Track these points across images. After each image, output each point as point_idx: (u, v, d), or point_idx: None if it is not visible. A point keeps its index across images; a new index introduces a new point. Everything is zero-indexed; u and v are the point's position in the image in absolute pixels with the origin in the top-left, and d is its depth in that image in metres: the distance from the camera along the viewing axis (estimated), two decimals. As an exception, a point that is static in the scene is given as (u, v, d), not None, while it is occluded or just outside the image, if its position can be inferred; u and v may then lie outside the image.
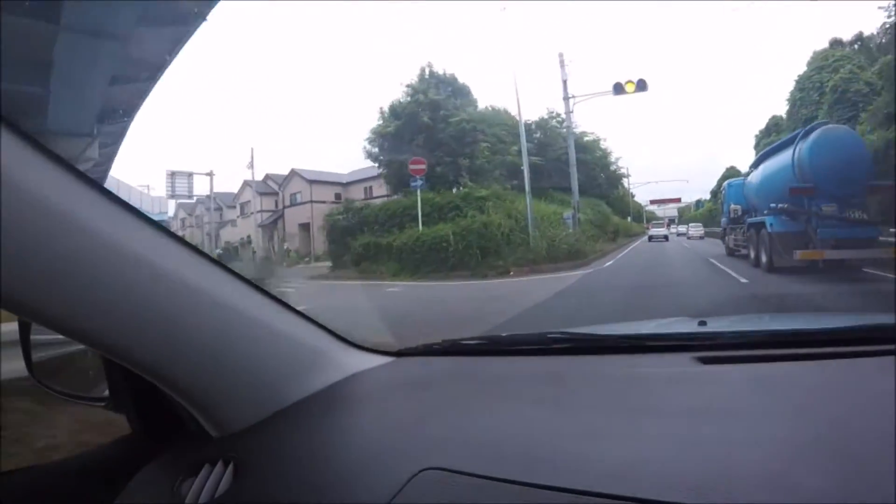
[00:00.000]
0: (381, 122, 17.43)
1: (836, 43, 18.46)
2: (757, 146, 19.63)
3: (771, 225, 8.66)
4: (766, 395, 0.70)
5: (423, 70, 17.58)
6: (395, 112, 17.19)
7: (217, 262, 0.68)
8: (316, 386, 0.74)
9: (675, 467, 0.53)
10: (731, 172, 20.32)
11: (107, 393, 0.83)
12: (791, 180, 8.44)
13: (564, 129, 17.97)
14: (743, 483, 0.49)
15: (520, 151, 15.57)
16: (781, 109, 20.29)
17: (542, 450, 0.60)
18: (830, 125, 9.56)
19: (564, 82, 16.65)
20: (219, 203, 24.04)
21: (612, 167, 24.63)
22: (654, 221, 31.18)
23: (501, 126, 17.77)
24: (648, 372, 0.82)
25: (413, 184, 14.87)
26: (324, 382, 0.76)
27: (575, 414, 0.69)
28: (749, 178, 11.47)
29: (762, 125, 21.92)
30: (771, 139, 16.62)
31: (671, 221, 29.58)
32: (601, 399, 0.74)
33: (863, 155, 8.31)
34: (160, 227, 0.60)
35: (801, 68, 18.89)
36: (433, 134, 16.37)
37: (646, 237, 23.19)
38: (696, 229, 23.61)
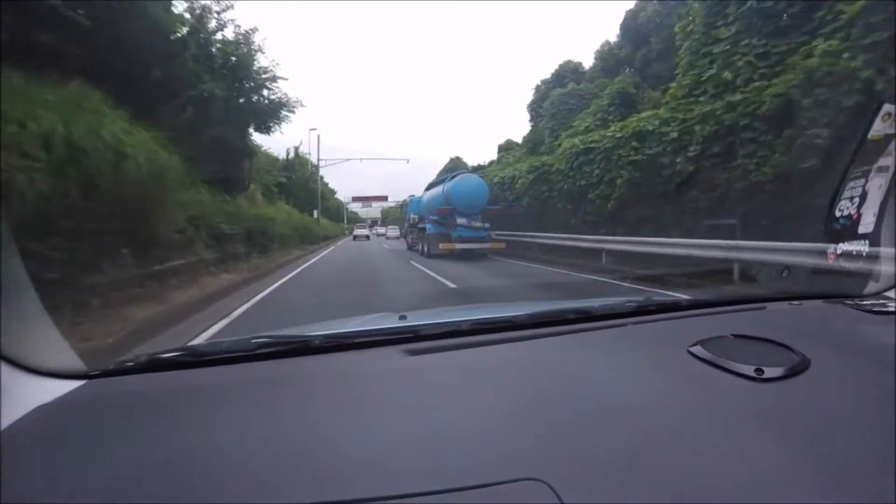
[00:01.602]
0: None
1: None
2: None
3: (429, 228, 14.68)
4: (469, 377, 0.78)
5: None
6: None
7: None
8: None
9: (402, 460, 0.55)
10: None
11: None
12: (441, 203, 14.46)
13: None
14: (463, 464, 0.54)
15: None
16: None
17: (251, 466, 0.55)
18: (465, 173, 16.69)
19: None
20: None
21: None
22: (358, 224, 35.29)
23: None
24: (361, 369, 0.85)
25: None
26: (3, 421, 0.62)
27: (290, 421, 0.66)
28: (422, 197, 17.76)
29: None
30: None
31: (374, 223, 33.31)
32: (317, 401, 0.73)
33: (483, 190, 14.53)
34: None
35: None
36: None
37: (351, 236, 28.22)
38: (392, 231, 31.20)
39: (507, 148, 24.91)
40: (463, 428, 0.62)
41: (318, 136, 50.78)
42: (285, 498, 0.51)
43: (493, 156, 26.60)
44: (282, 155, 26.39)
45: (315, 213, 27.95)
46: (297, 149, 27.77)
